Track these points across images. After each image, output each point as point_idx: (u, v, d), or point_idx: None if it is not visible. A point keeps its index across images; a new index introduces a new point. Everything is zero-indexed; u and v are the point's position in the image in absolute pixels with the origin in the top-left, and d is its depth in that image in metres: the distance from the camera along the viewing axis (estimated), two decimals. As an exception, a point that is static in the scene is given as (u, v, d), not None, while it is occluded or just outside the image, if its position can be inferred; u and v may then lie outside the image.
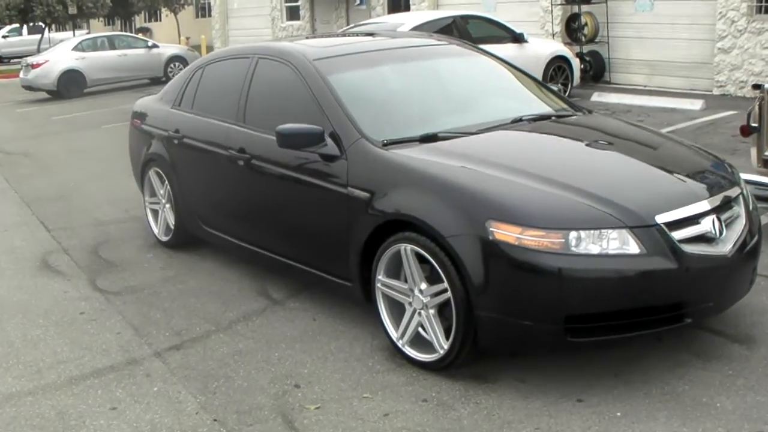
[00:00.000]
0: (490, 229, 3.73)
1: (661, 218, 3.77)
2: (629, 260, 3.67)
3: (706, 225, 3.90)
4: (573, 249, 3.64)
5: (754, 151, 6.17)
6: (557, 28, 15.96)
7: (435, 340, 4.06)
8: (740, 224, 4.12)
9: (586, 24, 15.30)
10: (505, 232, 3.69)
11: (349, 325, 4.81)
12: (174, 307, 5.30)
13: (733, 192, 4.21)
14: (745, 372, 3.99)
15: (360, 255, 4.38)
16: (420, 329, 4.17)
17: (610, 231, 3.68)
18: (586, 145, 4.56)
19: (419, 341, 4.21)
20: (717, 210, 4.00)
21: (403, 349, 4.25)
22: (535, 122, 4.90)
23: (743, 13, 12.80)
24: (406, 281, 4.19)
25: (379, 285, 4.32)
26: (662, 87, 14.23)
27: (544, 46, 13.58)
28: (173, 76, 21.91)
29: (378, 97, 5.06)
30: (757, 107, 6.04)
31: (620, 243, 3.68)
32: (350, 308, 4.95)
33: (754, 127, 6.07)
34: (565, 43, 14.65)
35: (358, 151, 4.46)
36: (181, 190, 6.19)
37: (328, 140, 4.59)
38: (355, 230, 4.40)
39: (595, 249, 3.66)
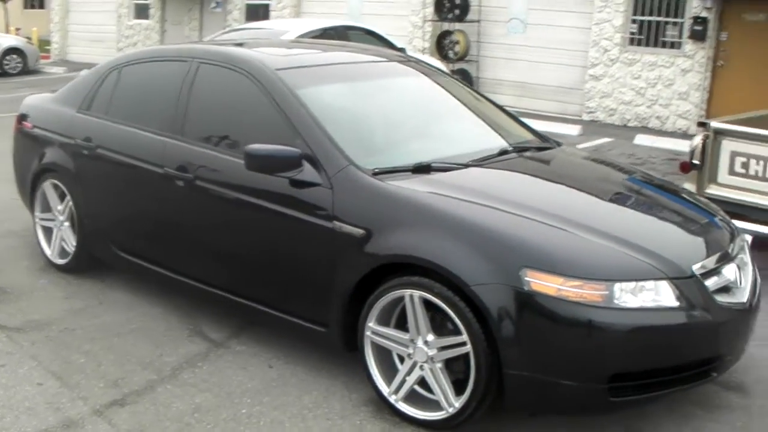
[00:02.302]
0: (525, 278, 3.34)
1: (697, 268, 3.54)
2: (672, 314, 3.40)
3: (730, 274, 3.71)
4: (615, 302, 3.32)
5: (692, 188, 6.14)
6: (427, 44, 15.89)
7: (442, 398, 3.61)
8: (749, 272, 3.96)
9: (458, 42, 15.33)
10: (543, 283, 3.31)
11: (313, 373, 4.26)
12: (98, 350, 4.53)
13: (741, 239, 4.06)
14: (754, 426, 3.84)
15: (347, 298, 3.86)
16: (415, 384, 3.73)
17: (650, 282, 3.39)
18: (598, 187, 4.30)
19: (413, 396, 3.76)
20: (735, 258, 3.82)
21: (396, 406, 3.78)
22: (523, 155, 4.55)
23: (616, 43, 13.18)
24: (404, 330, 3.72)
25: (368, 333, 3.82)
26: (530, 109, 14.43)
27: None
28: (9, 69, 20.41)
29: (354, 118, 4.52)
30: (700, 145, 6.02)
31: (657, 295, 3.40)
32: (306, 353, 4.41)
33: (695, 164, 6.05)
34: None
35: (347, 180, 3.93)
36: (89, 207, 5.39)
37: (305, 165, 4.05)
38: (342, 270, 3.87)
39: (635, 302, 3.35)
